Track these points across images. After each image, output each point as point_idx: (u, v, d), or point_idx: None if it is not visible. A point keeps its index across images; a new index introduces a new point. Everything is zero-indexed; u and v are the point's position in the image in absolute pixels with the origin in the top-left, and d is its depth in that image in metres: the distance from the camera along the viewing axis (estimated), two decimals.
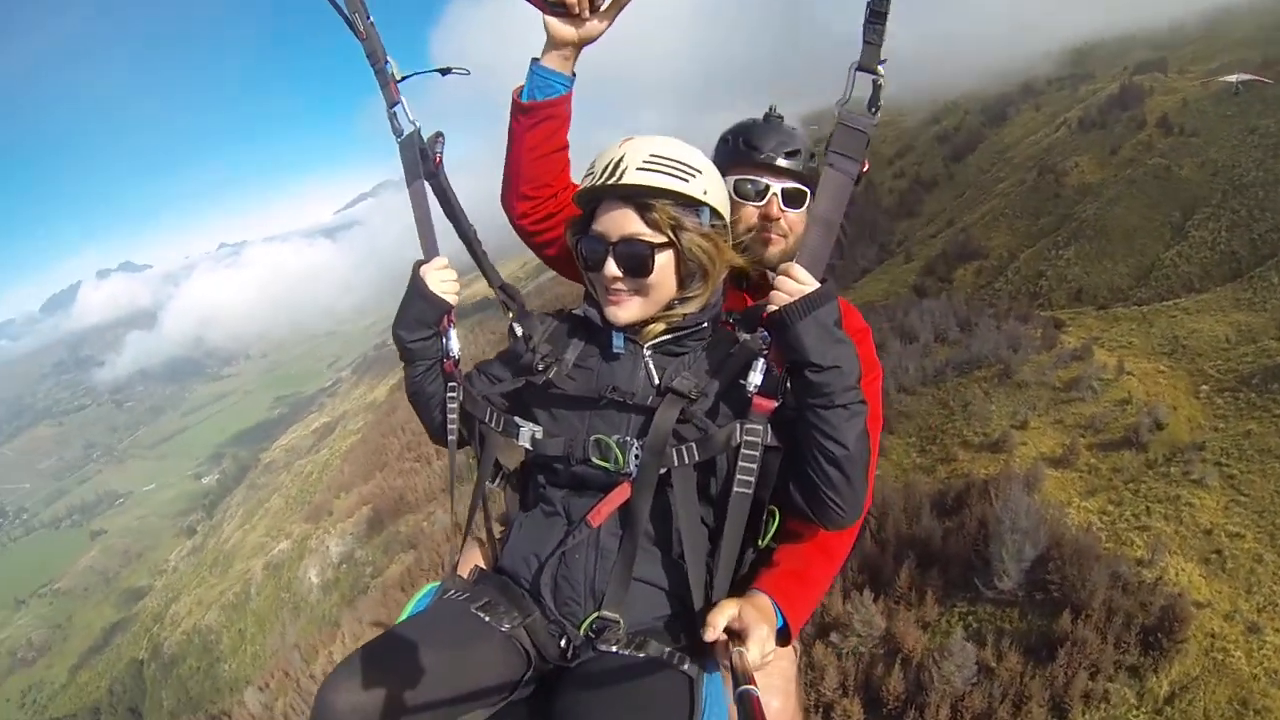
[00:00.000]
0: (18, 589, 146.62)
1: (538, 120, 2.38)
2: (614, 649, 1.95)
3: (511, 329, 2.33)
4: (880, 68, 1.85)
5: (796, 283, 1.89)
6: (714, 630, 1.78)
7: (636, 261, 1.99)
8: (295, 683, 42.80)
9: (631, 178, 1.94)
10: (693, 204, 2.00)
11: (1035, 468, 17.86)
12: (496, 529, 2.51)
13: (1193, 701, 13.23)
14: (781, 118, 2.63)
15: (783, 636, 1.96)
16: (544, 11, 2.23)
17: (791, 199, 2.52)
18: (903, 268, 48.52)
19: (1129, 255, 37.32)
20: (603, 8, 2.21)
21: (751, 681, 1.54)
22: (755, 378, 1.95)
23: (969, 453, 19.18)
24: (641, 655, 1.92)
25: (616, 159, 1.98)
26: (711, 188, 2.03)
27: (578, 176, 2.35)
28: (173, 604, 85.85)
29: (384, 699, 1.70)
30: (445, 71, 2.56)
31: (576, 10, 2.18)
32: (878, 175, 65.03)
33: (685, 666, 1.91)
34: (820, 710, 14.63)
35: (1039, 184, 46.96)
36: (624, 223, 1.99)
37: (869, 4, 1.80)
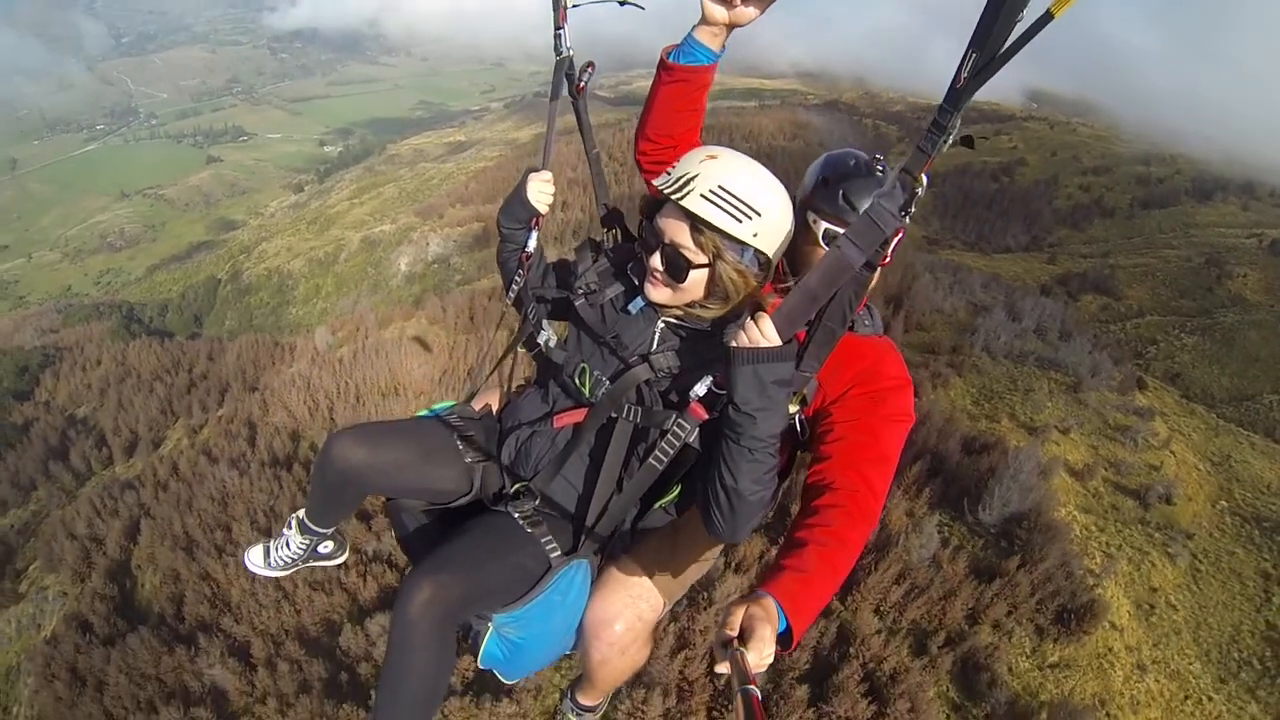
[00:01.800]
0: (126, 183, 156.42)
1: (675, 80, 2.76)
2: (516, 515, 2.59)
3: (586, 243, 2.83)
4: (923, 177, 1.98)
5: (759, 333, 2.09)
6: (732, 630, 1.95)
7: (675, 268, 2.36)
8: (363, 338, 43.56)
9: (691, 202, 2.25)
10: (739, 241, 2.30)
11: (1055, 462, 20.20)
12: (517, 384, 3.20)
13: (1068, 678, 16.43)
14: (884, 167, 2.83)
15: (786, 639, 2.10)
16: None
17: None
18: (1042, 265, 51.14)
19: (1238, 376, 38.94)
20: None
21: (751, 681, 1.69)
22: (699, 389, 2.33)
23: (1011, 423, 21.99)
24: (530, 531, 2.56)
25: (690, 175, 2.29)
26: (764, 230, 2.30)
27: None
28: (263, 242, 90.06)
29: (366, 461, 2.60)
30: (622, 3, 2.91)
31: None
32: (1066, 177, 68.13)
33: (553, 555, 2.57)
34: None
35: (1202, 271, 48.18)
36: (677, 232, 2.33)
37: (935, 115, 1.91)
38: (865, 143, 75.26)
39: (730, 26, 2.60)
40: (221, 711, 21.19)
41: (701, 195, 2.25)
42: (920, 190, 2.00)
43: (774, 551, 2.47)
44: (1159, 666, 17.69)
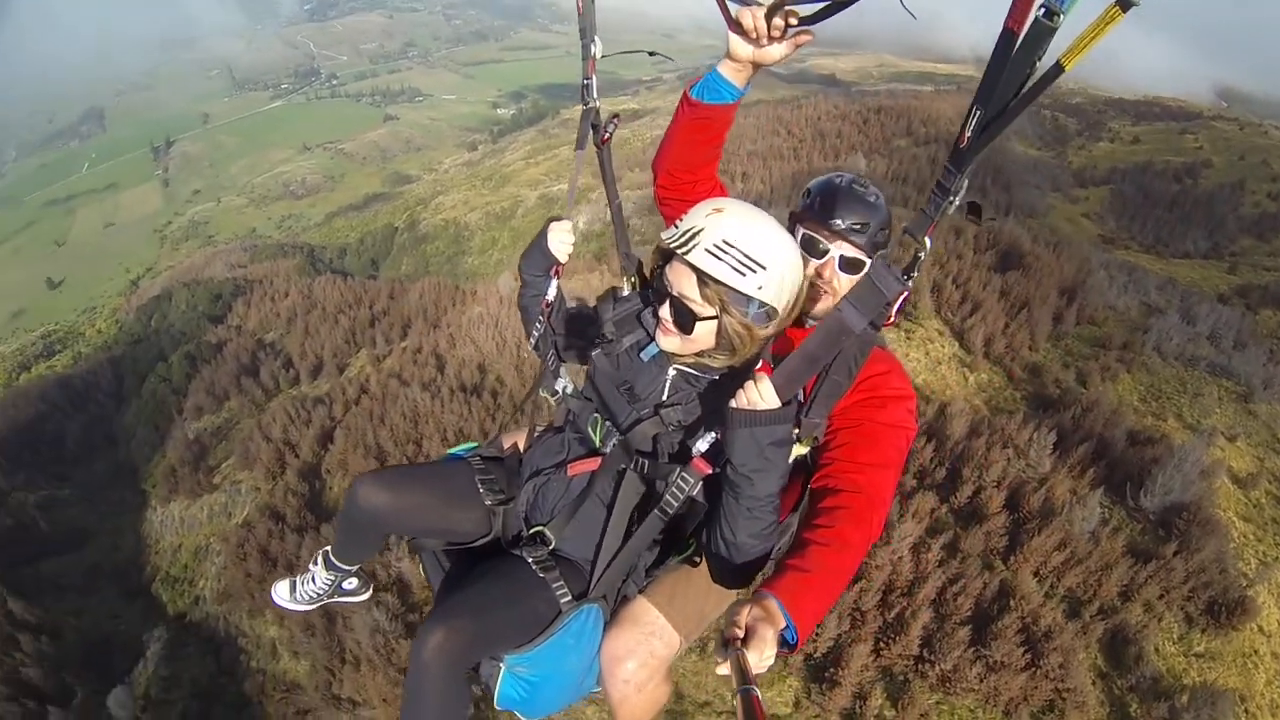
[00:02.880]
0: (308, 137, 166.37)
1: (698, 117, 2.81)
2: (530, 560, 2.71)
3: (609, 292, 2.94)
4: (927, 240, 2.09)
5: (758, 395, 2.21)
6: (738, 630, 1.98)
7: (683, 319, 2.45)
8: None
9: (695, 257, 2.34)
10: (744, 295, 2.37)
11: (1219, 465, 20.01)
12: (544, 423, 3.28)
13: (1211, 669, 16.60)
14: (866, 187, 2.98)
15: (789, 640, 2.15)
16: (727, 25, 2.49)
17: (848, 265, 2.93)
18: (1222, 274, 48.73)
19: None
20: (780, 38, 2.41)
21: (751, 681, 1.74)
22: (701, 445, 2.46)
23: (1177, 423, 21.88)
24: (542, 576, 2.67)
25: (696, 229, 2.37)
26: (768, 284, 2.37)
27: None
28: (439, 195, 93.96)
29: (389, 505, 2.78)
30: (652, 54, 3.46)
31: (754, 36, 2.42)
32: (1254, 182, 63.27)
33: (563, 600, 2.65)
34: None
35: None
36: (684, 284, 2.42)
37: (940, 177, 1.97)
38: (1042, 132, 73.27)
39: (756, 66, 2.60)
40: (405, 599, 22.29)
41: (706, 250, 2.33)
42: (923, 255, 2.13)
43: None
44: None
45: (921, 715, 15.37)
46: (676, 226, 2.47)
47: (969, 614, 16.41)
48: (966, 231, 29.50)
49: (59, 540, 34.33)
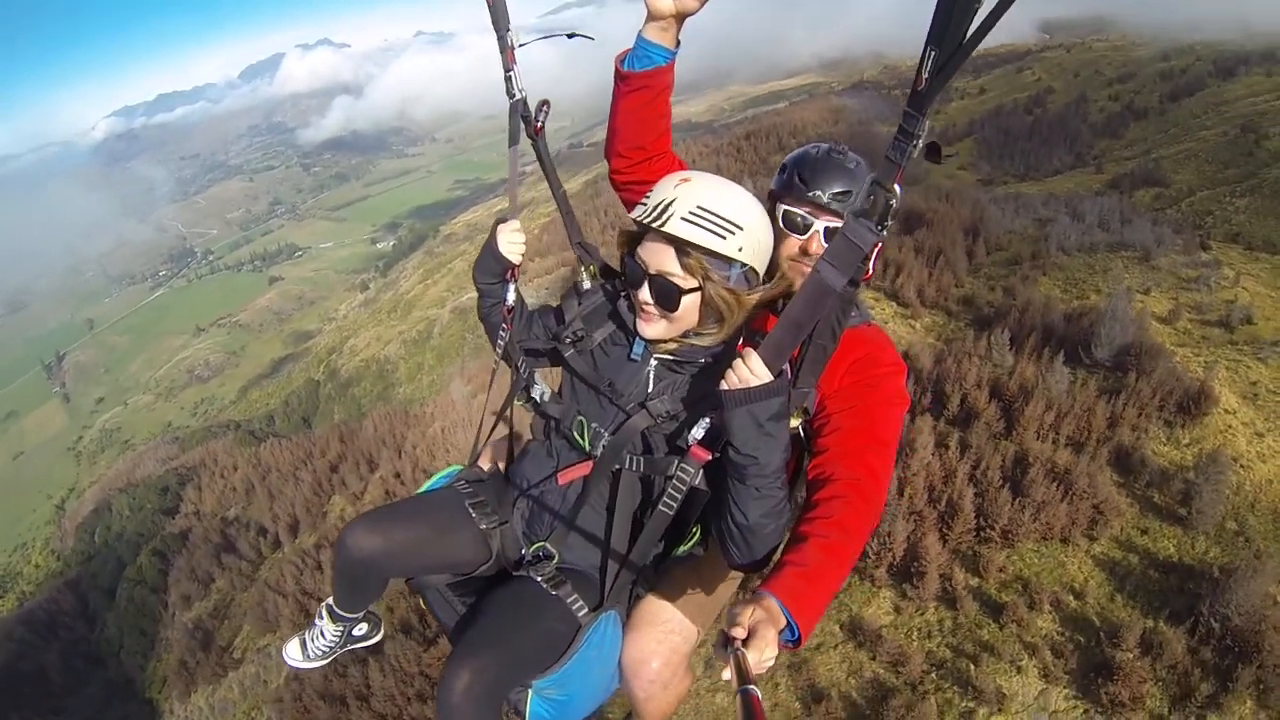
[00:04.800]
0: (199, 319, 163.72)
1: (634, 88, 2.72)
2: (539, 579, 2.68)
3: (571, 289, 2.93)
4: (896, 188, 2.01)
5: (749, 371, 2.17)
6: (742, 630, 1.91)
7: (666, 296, 2.40)
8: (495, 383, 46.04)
9: (673, 227, 2.31)
10: (725, 259, 2.36)
11: (1143, 314, 22.97)
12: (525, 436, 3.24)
13: (1202, 449, 18.62)
14: (844, 154, 2.84)
15: (792, 638, 2.09)
16: None
17: (833, 237, 2.60)
18: (1091, 176, 53.91)
19: None
20: None
21: (751, 681, 1.69)
22: (697, 432, 2.41)
23: (1097, 297, 24.58)
24: (554, 593, 2.64)
25: (668, 200, 2.34)
26: (748, 244, 2.37)
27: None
28: (349, 339, 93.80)
29: (382, 548, 2.65)
30: (571, 36, 3.09)
31: None
32: (1093, 92, 71.44)
33: (581, 614, 2.64)
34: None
35: (1239, 140, 49.66)
36: (662, 259, 2.39)
37: (901, 122, 1.89)
38: (897, 110, 78.94)
39: (680, 17, 2.57)
40: None
41: (682, 218, 2.31)
42: (894, 202, 2.04)
43: None
44: (1275, 432, 19.80)
45: (1000, 570, 16.98)
46: (645, 203, 2.45)
47: (1000, 481, 18.30)
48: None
49: None
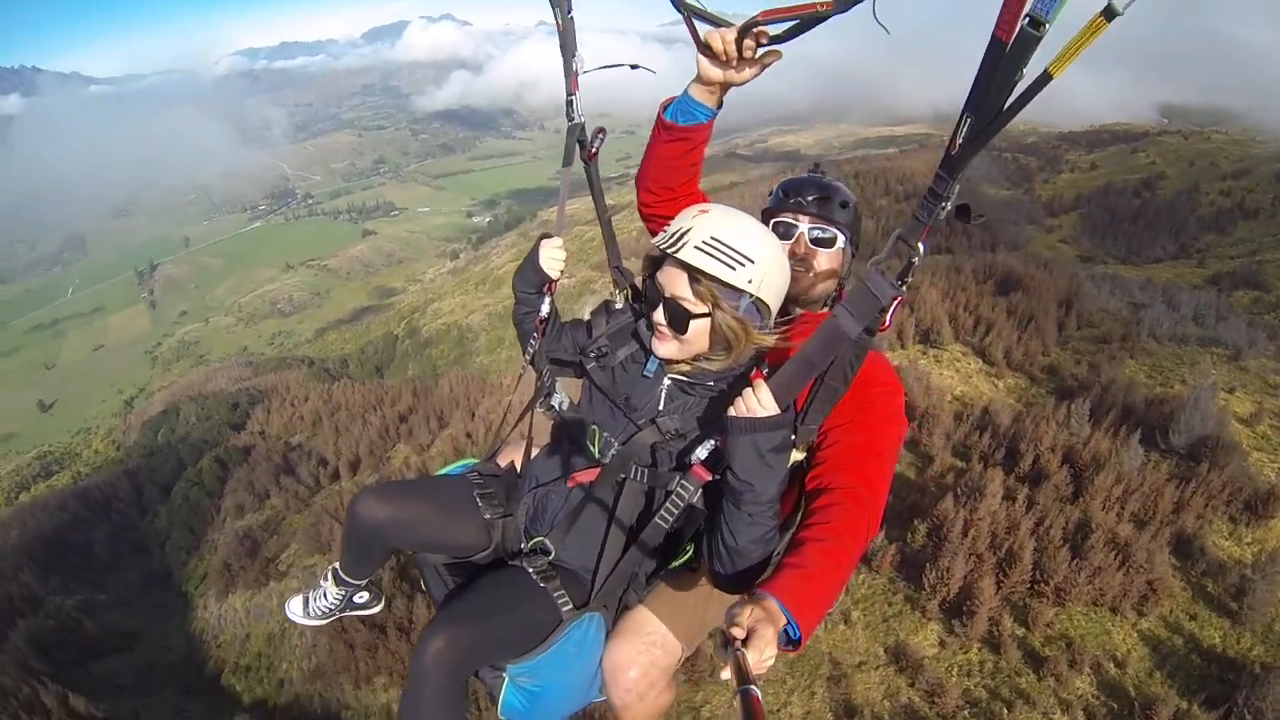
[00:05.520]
0: (290, 256, 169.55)
1: (674, 138, 2.90)
2: (530, 570, 2.81)
3: (603, 306, 3.07)
4: (920, 246, 2.10)
5: (757, 403, 2.27)
6: (741, 630, 1.92)
7: (677, 320, 2.50)
8: None
9: (686, 254, 2.41)
10: (735, 289, 2.43)
11: (1225, 413, 22.31)
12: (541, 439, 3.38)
13: (1264, 549, 18.14)
14: (823, 173, 3.23)
15: (792, 639, 2.12)
16: (697, 48, 2.53)
17: (820, 240, 3.09)
18: (1192, 270, 51.23)
19: None
20: (748, 57, 2.44)
21: (751, 681, 1.70)
22: (701, 453, 2.55)
23: (1181, 387, 24.31)
24: (543, 585, 2.76)
25: (685, 229, 2.45)
26: (758, 277, 2.44)
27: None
28: (434, 302, 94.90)
29: (389, 518, 2.86)
30: (634, 67, 3.11)
31: (723, 59, 2.47)
32: (1206, 184, 68.76)
33: (564, 608, 2.75)
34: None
35: None
36: (677, 284, 2.48)
37: (932, 183, 1.98)
38: (1007, 173, 78.56)
39: (725, 86, 2.68)
40: None
41: (695, 247, 2.41)
42: (917, 259, 2.14)
43: None
44: None
45: (1047, 625, 16.95)
46: (666, 230, 2.56)
47: (1060, 541, 18.30)
48: (965, 267, 32.47)
49: (104, 643, 34.28)
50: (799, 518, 2.62)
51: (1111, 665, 16.32)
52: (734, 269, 2.40)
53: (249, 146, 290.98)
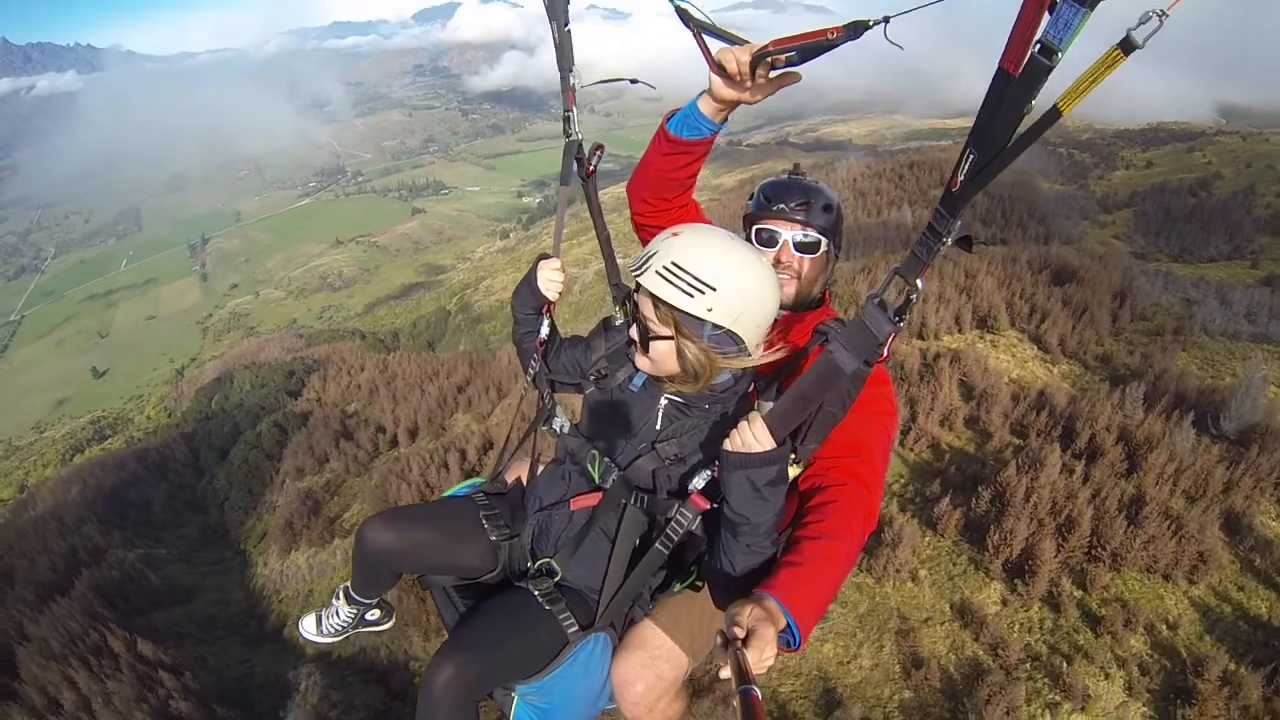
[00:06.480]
0: (340, 232, 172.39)
1: (675, 150, 2.85)
2: (536, 592, 2.82)
3: (601, 324, 3.07)
4: (919, 282, 2.06)
5: (752, 437, 2.25)
6: (741, 630, 1.93)
7: (643, 338, 2.52)
8: None
9: (647, 279, 2.39)
10: (696, 318, 2.38)
11: (1275, 405, 22.44)
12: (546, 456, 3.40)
13: None
14: (803, 175, 3.21)
15: (792, 639, 2.14)
16: (709, 66, 2.48)
17: (803, 246, 3.08)
18: (1246, 270, 51.32)
19: None
20: (761, 80, 2.41)
21: (751, 681, 1.70)
22: (699, 482, 2.53)
23: (1232, 380, 24.20)
24: (548, 608, 2.77)
25: (651, 253, 2.43)
26: (718, 305, 2.36)
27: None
28: (485, 279, 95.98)
29: (395, 545, 2.92)
30: (634, 81, 3.07)
31: (736, 79, 2.43)
32: (1262, 186, 67.49)
33: (570, 630, 2.77)
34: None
35: None
36: (644, 305, 2.48)
37: (931, 219, 1.95)
38: (1062, 169, 78.05)
39: (735, 105, 2.65)
40: None
41: (656, 272, 2.38)
42: (915, 297, 2.10)
43: None
44: None
45: (1103, 588, 17.51)
46: (642, 251, 2.54)
47: (1116, 510, 18.72)
48: (1021, 258, 32.43)
49: (165, 595, 35.08)
50: (795, 515, 2.61)
51: (1164, 627, 16.95)
52: (691, 296, 2.35)
53: (302, 122, 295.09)
